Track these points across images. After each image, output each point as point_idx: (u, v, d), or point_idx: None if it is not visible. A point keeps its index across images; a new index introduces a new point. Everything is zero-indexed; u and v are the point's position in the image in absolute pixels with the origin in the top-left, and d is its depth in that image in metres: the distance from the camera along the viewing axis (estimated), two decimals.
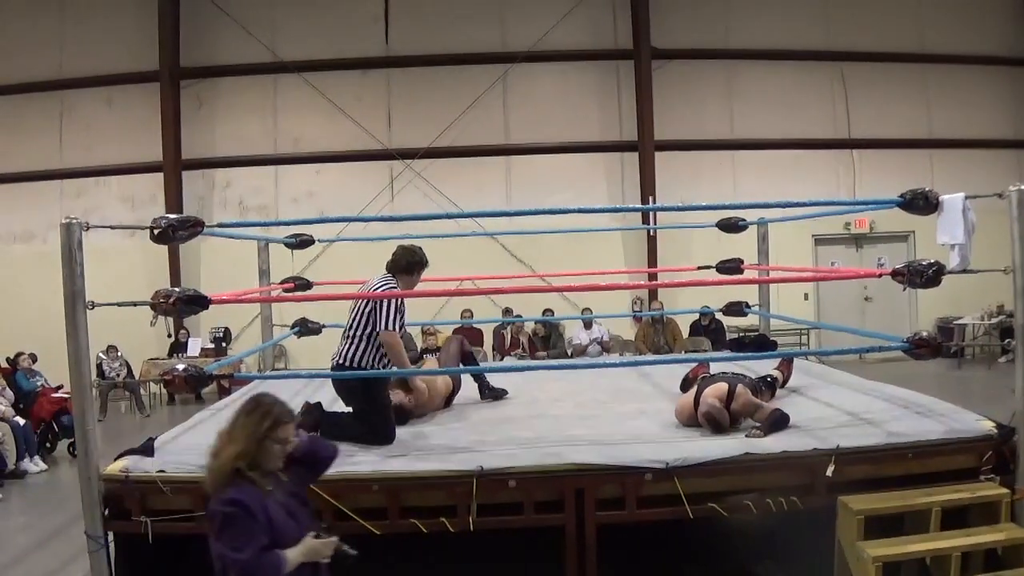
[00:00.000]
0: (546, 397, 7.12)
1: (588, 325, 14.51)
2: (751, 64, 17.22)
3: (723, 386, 5.69)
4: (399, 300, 5.84)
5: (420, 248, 6.11)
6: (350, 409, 5.87)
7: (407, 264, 6.01)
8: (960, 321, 16.40)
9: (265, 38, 16.52)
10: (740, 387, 5.67)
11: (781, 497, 4.88)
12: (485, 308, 14.89)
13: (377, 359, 5.88)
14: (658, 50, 16.70)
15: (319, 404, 5.85)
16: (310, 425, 5.65)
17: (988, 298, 15.70)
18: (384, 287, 5.91)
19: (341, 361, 5.88)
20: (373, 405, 5.67)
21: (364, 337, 5.84)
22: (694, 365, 6.84)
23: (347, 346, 5.89)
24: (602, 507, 4.91)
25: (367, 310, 5.81)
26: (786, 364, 6.93)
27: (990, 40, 17.47)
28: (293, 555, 3.27)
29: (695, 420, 5.66)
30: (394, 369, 5.88)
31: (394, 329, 5.74)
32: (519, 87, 16.91)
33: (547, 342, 14.44)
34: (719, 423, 5.48)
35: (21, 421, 10.29)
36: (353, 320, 5.88)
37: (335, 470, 4.89)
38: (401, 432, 5.84)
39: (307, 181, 16.83)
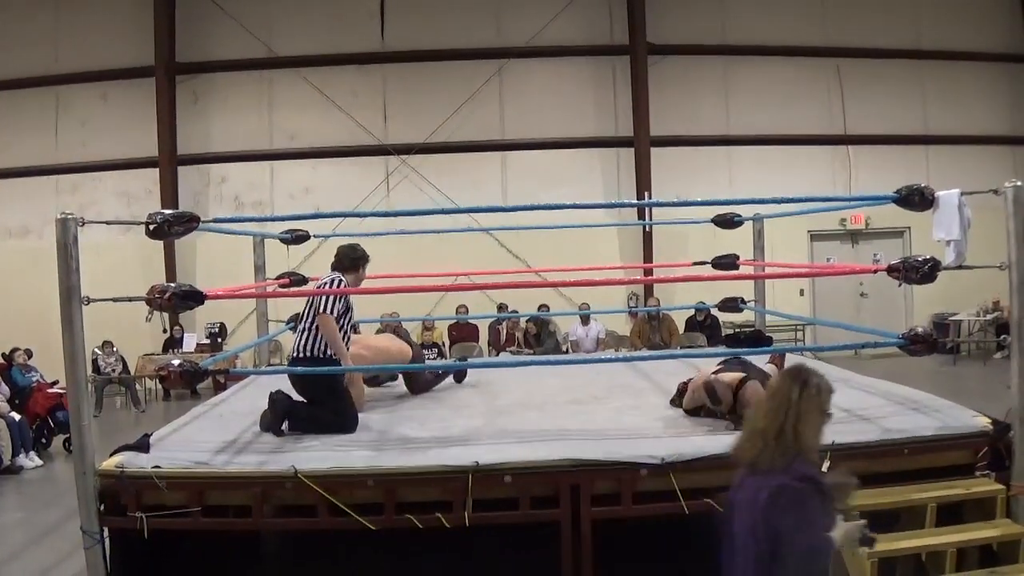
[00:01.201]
0: (541, 392, 7.12)
1: (586, 321, 14.50)
2: (747, 60, 17.22)
3: (740, 374, 5.67)
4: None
5: (360, 245, 6.48)
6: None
7: (351, 261, 6.35)
8: (956, 317, 16.45)
9: (261, 33, 16.49)
10: (754, 382, 5.64)
11: None
12: (481, 304, 14.89)
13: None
14: (654, 45, 16.70)
15: (287, 395, 5.88)
16: (279, 415, 5.67)
17: (984, 294, 15.74)
18: (333, 282, 6.18)
19: (301, 354, 6.04)
20: (335, 392, 5.90)
21: (315, 328, 6.03)
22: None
23: (303, 339, 6.06)
24: (597, 503, 4.91)
25: (316, 304, 6.05)
26: (779, 359, 6.91)
27: (986, 37, 17.50)
28: (837, 537, 3.10)
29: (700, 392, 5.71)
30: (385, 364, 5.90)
31: (330, 313, 5.96)
32: (515, 83, 16.90)
33: (538, 339, 14.42)
34: (717, 397, 5.50)
35: (16, 417, 10.27)
36: (305, 315, 6.13)
37: (330, 465, 4.91)
38: (397, 428, 5.86)
39: (303, 177, 16.82)
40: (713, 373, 5.76)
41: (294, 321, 8.23)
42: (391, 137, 16.73)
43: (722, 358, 6.28)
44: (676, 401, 6.22)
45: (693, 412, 5.82)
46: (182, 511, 4.81)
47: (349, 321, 6.20)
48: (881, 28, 17.28)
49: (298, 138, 16.84)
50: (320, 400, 5.88)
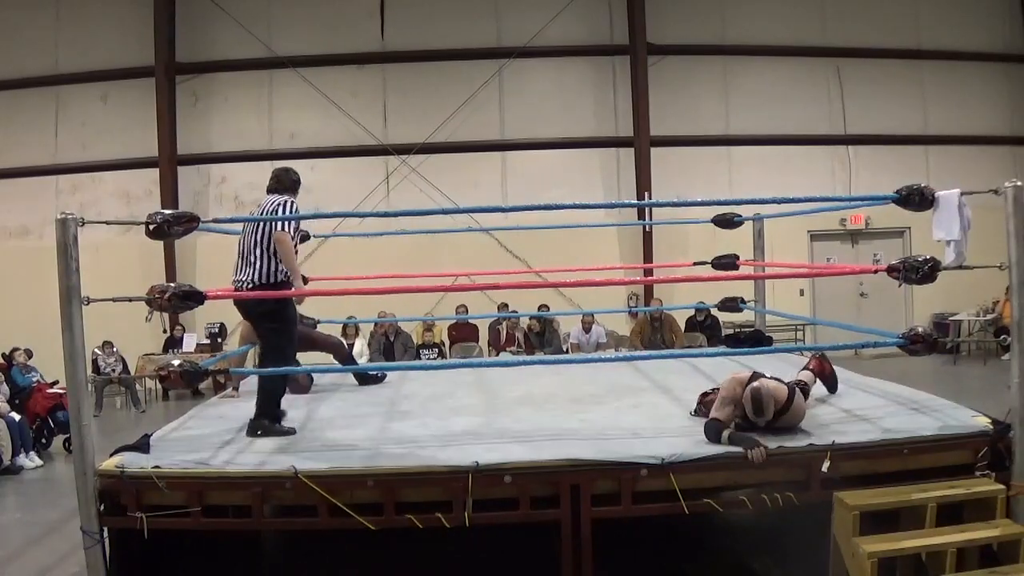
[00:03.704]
0: (541, 392, 7.12)
1: (588, 328, 14.43)
2: (747, 60, 17.23)
3: (784, 391, 5.29)
4: (295, 211, 6.11)
5: (292, 168, 6.54)
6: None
7: (291, 183, 6.36)
8: (956, 317, 16.45)
9: (260, 33, 16.48)
10: (799, 395, 5.37)
11: (777, 493, 4.88)
12: (481, 304, 14.89)
13: (283, 272, 6.00)
14: (654, 46, 16.70)
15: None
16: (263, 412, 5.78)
17: (984, 294, 15.75)
18: (285, 204, 6.06)
19: (260, 280, 5.93)
20: (284, 323, 6.00)
21: (272, 253, 5.93)
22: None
23: (260, 265, 5.95)
24: (597, 503, 4.90)
25: (266, 228, 5.92)
26: (818, 362, 6.53)
27: (986, 36, 17.51)
28: None
29: (738, 394, 5.25)
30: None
31: (286, 231, 5.88)
32: (515, 83, 16.90)
33: (541, 338, 14.41)
34: (762, 408, 5.11)
35: (16, 417, 10.27)
36: (253, 241, 5.97)
37: (330, 465, 4.91)
38: (397, 428, 5.87)
39: (303, 176, 16.55)
40: (755, 376, 5.35)
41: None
42: (391, 137, 16.73)
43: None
44: (700, 412, 5.84)
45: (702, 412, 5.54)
46: (182, 511, 4.81)
47: (298, 244, 6.22)
48: (881, 28, 17.28)
49: (298, 138, 16.83)
50: (267, 333, 6.02)
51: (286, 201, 6.10)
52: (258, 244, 5.94)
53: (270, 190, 6.30)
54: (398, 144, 16.67)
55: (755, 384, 5.21)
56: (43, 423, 11.16)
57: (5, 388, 11.13)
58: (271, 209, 6.01)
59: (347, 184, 16.50)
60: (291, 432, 5.73)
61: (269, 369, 6.02)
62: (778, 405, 5.19)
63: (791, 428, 5.29)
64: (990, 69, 17.57)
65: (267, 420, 5.79)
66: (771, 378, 5.38)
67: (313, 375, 7.74)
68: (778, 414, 5.20)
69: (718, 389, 5.58)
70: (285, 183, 6.32)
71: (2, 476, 9.71)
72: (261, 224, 5.94)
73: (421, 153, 16.65)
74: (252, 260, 5.96)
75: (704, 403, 5.83)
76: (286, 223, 5.87)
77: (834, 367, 6.68)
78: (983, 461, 5.06)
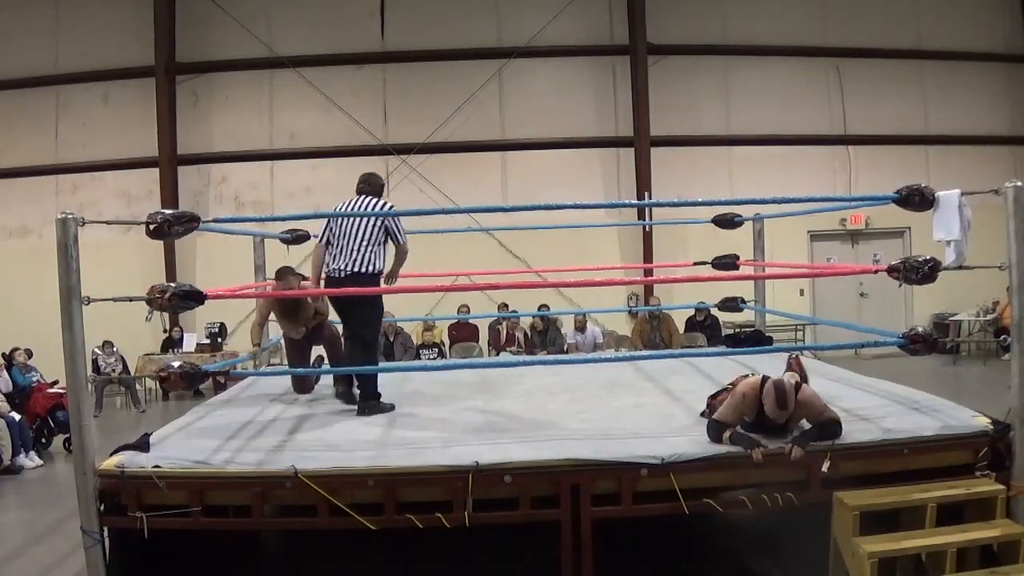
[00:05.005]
0: (541, 392, 7.12)
1: (582, 328, 14.36)
2: (747, 60, 17.23)
3: (794, 381, 5.23)
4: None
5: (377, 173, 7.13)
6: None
7: (379, 187, 6.90)
8: (956, 317, 16.44)
9: (261, 33, 16.49)
10: (807, 385, 5.36)
11: (777, 493, 4.88)
12: (481, 304, 14.87)
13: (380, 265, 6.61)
14: (654, 45, 16.70)
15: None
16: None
17: (984, 294, 15.73)
18: (384, 204, 6.67)
19: (362, 269, 6.46)
20: (379, 311, 6.82)
21: (379, 246, 6.54)
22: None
23: (365, 254, 6.48)
24: (598, 502, 4.91)
25: (378, 225, 6.51)
26: (796, 363, 6.58)
27: (986, 36, 17.50)
28: None
29: (756, 397, 5.14)
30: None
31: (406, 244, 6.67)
32: (515, 83, 16.89)
33: (544, 337, 14.39)
34: (786, 400, 4.99)
35: (16, 416, 10.27)
36: (363, 233, 6.50)
37: (330, 465, 4.91)
38: (398, 428, 5.87)
39: (303, 176, 16.81)
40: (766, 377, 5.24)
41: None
42: (391, 137, 16.73)
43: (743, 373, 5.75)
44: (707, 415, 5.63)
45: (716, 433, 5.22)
46: (182, 511, 4.81)
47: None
48: (881, 28, 17.28)
49: (298, 138, 16.84)
50: (359, 320, 6.63)
51: (386, 202, 6.72)
52: (371, 236, 6.50)
53: (360, 192, 6.77)
54: (398, 144, 16.67)
55: (776, 379, 5.13)
56: (43, 423, 11.16)
57: (7, 376, 11.14)
58: (376, 206, 6.60)
59: (347, 184, 16.22)
60: (391, 408, 6.47)
61: (269, 370, 6.04)
62: (797, 393, 5.13)
63: (814, 416, 5.18)
64: (990, 69, 17.56)
65: (374, 400, 6.44)
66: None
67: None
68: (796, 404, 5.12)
69: (726, 391, 5.57)
70: (375, 186, 6.83)
71: (2, 476, 9.70)
72: (372, 221, 6.48)
73: (421, 153, 16.66)
74: (353, 251, 6.49)
75: (712, 405, 5.77)
76: (405, 234, 6.64)
77: (834, 367, 6.70)
78: (983, 461, 5.06)
